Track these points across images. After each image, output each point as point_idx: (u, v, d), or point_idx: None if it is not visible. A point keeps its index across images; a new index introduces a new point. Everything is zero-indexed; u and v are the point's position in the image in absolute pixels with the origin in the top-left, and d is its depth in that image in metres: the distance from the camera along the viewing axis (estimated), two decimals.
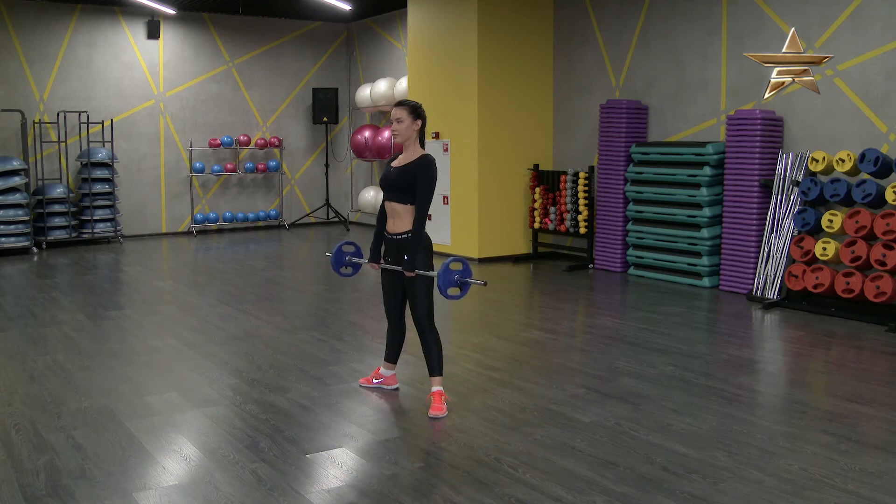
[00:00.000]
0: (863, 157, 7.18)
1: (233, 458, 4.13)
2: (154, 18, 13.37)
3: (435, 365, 4.84)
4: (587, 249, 10.21)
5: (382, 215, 5.04)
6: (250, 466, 4.02)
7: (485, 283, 4.69)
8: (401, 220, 4.85)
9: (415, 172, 4.76)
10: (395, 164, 4.91)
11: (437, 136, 10.99)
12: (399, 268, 4.84)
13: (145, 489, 3.78)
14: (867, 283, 7.05)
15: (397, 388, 5.27)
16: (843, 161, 7.37)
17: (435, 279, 4.65)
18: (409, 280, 4.82)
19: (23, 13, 12.45)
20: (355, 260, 5.35)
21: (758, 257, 8.23)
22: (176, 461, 4.12)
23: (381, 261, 5.06)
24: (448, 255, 5.03)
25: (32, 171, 12.24)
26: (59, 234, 12.31)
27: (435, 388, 4.83)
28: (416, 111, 4.86)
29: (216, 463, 4.08)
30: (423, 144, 4.92)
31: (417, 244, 4.78)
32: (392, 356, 5.24)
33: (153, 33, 13.39)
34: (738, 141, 8.30)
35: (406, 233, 4.82)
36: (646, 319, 7.35)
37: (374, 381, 5.31)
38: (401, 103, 4.89)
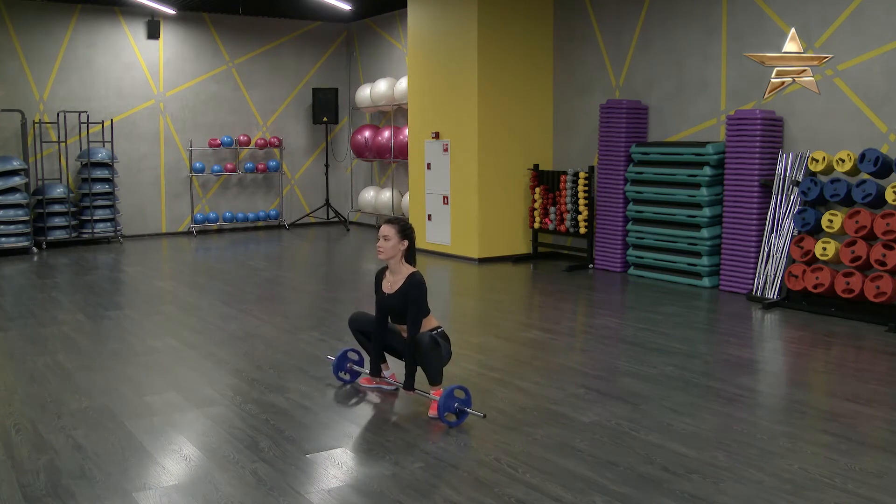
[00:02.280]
0: (863, 157, 7.18)
1: (233, 458, 4.13)
2: (154, 18, 13.37)
3: (435, 377, 4.87)
4: (587, 249, 10.21)
5: (380, 328, 5.10)
6: (250, 466, 4.02)
7: (484, 416, 4.70)
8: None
9: (405, 294, 4.86)
10: (385, 288, 4.99)
11: (437, 136, 10.99)
12: (399, 384, 5.03)
13: (145, 489, 3.78)
14: (867, 283, 7.05)
15: (397, 389, 5.27)
16: (843, 161, 7.37)
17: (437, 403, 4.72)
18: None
19: (23, 13, 12.45)
20: (356, 368, 5.46)
21: (758, 257, 8.23)
22: (176, 461, 4.12)
23: (383, 375, 5.22)
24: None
25: (32, 171, 12.25)
26: (59, 234, 12.31)
27: (434, 389, 4.83)
28: (404, 231, 4.95)
29: (216, 463, 4.08)
30: (412, 262, 5.01)
31: (413, 368, 4.87)
32: (380, 357, 5.26)
33: (153, 33, 13.39)
34: (738, 141, 8.30)
35: (431, 331, 4.90)
36: (646, 319, 7.35)
37: (375, 381, 5.31)
38: (390, 221, 4.98)
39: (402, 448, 4.29)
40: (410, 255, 5.00)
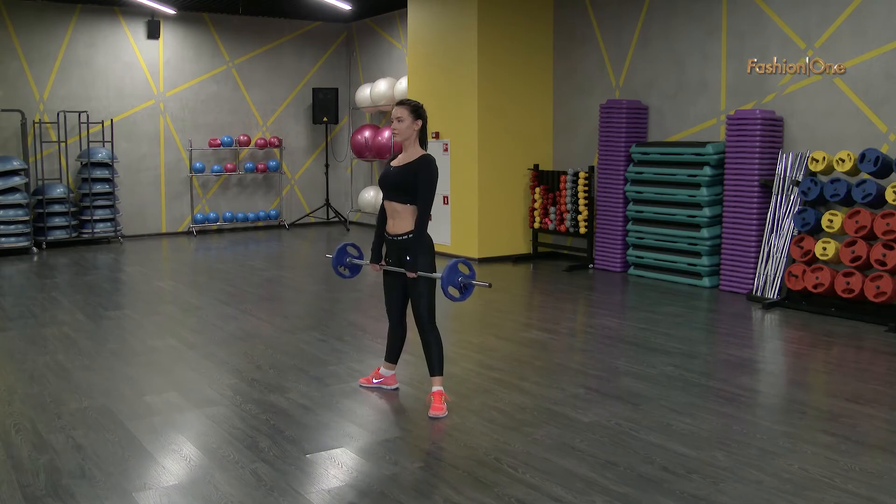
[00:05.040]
0: (863, 157, 7.18)
1: (233, 458, 4.13)
2: (154, 18, 13.37)
3: (435, 365, 4.85)
4: (587, 249, 10.21)
5: (382, 216, 5.05)
6: (250, 466, 4.02)
7: (489, 285, 4.71)
8: (401, 220, 4.85)
9: (416, 172, 4.78)
10: (394, 163, 4.93)
11: (437, 135, 10.99)
12: (401, 269, 4.85)
13: (145, 489, 3.78)
14: (867, 283, 7.05)
15: (397, 388, 5.27)
16: (843, 161, 7.37)
17: (438, 279, 4.68)
18: (411, 280, 4.83)
19: (23, 13, 12.45)
20: (356, 261, 5.35)
21: (758, 257, 8.23)
22: (176, 461, 4.12)
23: (383, 262, 5.06)
24: (449, 256, 5.03)
25: (32, 171, 12.24)
26: (59, 234, 12.30)
27: (435, 388, 4.83)
28: (416, 111, 4.88)
29: (216, 463, 4.08)
30: (424, 145, 4.94)
31: (420, 244, 4.79)
32: (392, 356, 5.24)
33: (153, 33, 13.39)
34: (738, 141, 8.30)
35: (408, 233, 4.83)
36: (646, 319, 7.35)
37: (374, 380, 5.31)
38: (402, 102, 4.92)
39: (403, 448, 4.29)
40: (423, 136, 4.94)
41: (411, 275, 4.78)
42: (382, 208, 5.03)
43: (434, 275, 4.76)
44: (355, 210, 15.32)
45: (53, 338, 6.72)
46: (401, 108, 4.89)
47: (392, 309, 5.10)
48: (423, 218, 4.80)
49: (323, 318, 7.61)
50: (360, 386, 5.34)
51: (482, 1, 10.39)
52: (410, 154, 4.88)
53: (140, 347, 6.45)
